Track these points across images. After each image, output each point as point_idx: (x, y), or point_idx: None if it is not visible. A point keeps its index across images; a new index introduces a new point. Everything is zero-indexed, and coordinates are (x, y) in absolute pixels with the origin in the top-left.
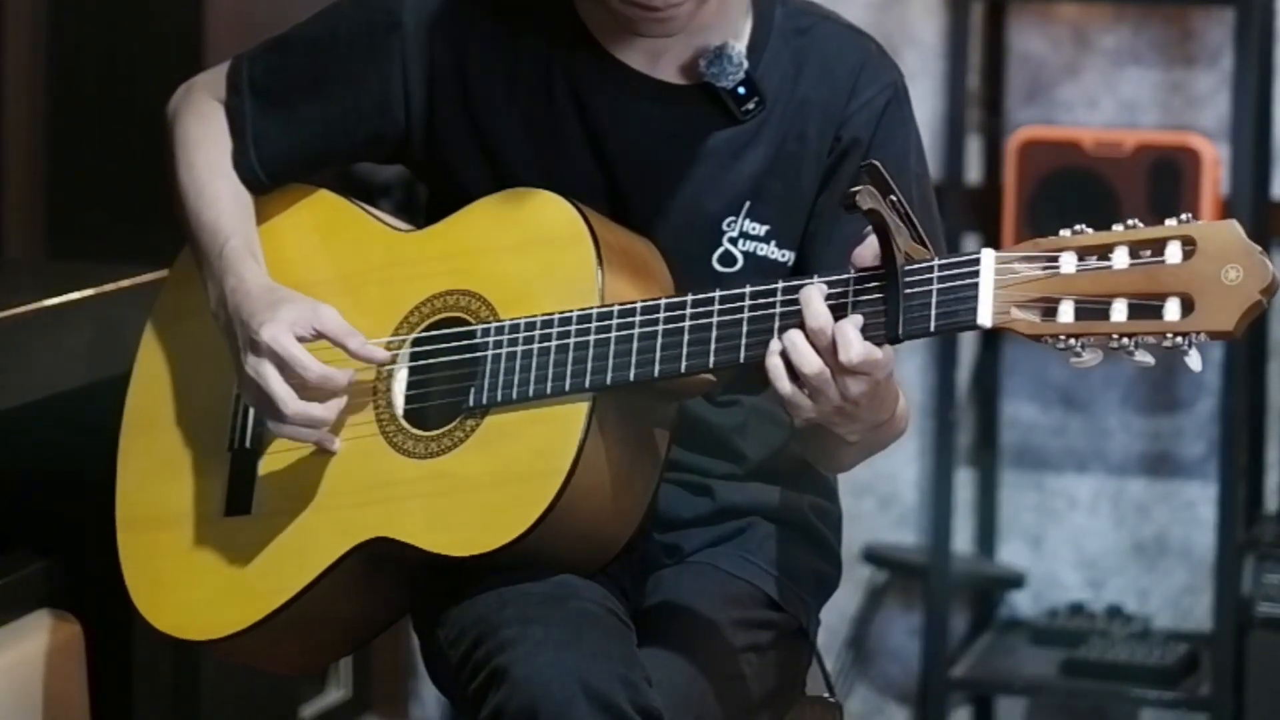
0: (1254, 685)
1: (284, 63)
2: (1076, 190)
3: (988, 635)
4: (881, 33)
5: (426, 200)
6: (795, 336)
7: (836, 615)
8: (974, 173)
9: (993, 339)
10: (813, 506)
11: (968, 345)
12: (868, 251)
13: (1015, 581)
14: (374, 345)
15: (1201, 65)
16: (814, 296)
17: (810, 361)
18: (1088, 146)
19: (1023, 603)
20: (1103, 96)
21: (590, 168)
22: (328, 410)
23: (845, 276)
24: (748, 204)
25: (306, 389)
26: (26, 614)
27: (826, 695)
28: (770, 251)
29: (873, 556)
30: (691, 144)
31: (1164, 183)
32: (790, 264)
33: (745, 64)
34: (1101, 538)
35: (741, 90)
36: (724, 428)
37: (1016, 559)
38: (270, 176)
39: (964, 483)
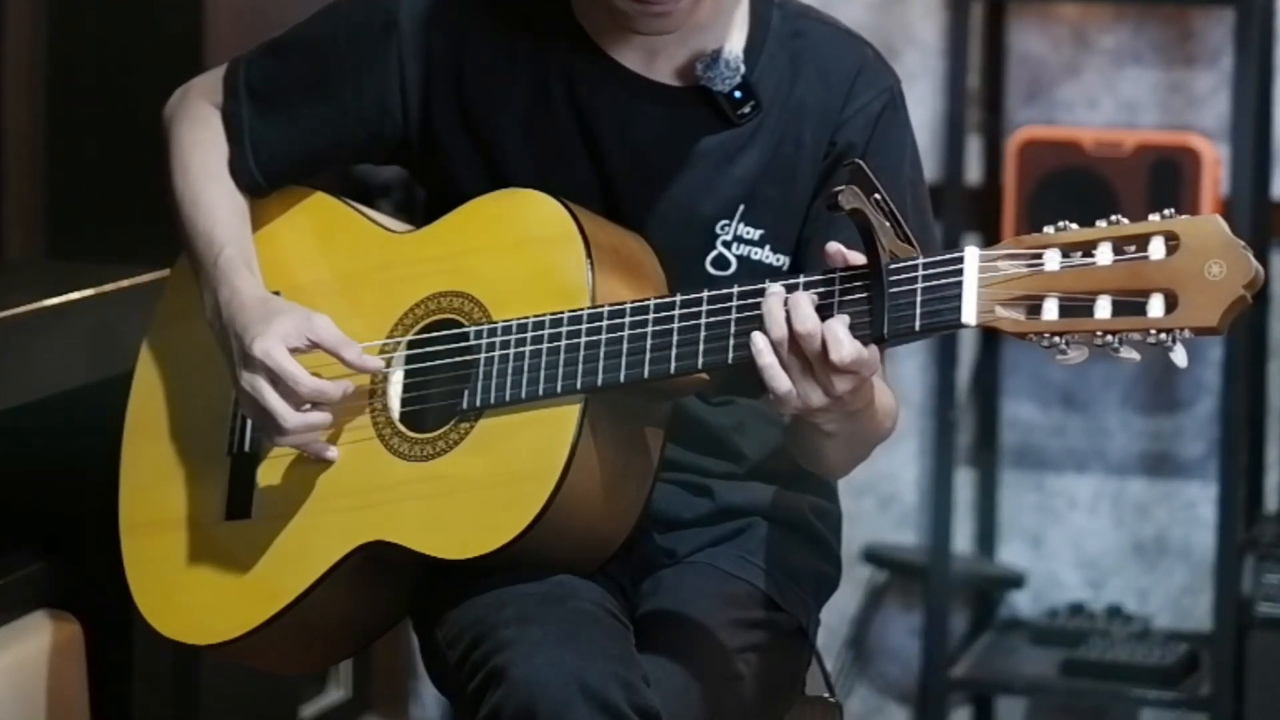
0: (1254, 685)
1: (281, 66)
2: (1076, 190)
3: (988, 635)
4: (881, 33)
5: (425, 201)
6: (757, 339)
7: (836, 615)
8: (974, 173)
9: (992, 339)
10: (812, 507)
11: (968, 345)
12: (842, 251)
13: (1015, 581)
14: (370, 356)
15: (1201, 65)
16: (802, 300)
17: (764, 353)
18: (1088, 146)
19: (1023, 603)
20: (1103, 96)
21: (586, 168)
22: (325, 416)
23: (831, 275)
24: (742, 208)
25: (300, 401)
26: (26, 614)
27: (826, 695)
28: (765, 256)
29: (873, 556)
30: (686, 146)
31: (1164, 183)
32: (785, 269)
33: (741, 69)
34: (1101, 538)
35: (737, 94)
36: (722, 427)
37: (1016, 559)
38: (268, 180)
39: (964, 483)
